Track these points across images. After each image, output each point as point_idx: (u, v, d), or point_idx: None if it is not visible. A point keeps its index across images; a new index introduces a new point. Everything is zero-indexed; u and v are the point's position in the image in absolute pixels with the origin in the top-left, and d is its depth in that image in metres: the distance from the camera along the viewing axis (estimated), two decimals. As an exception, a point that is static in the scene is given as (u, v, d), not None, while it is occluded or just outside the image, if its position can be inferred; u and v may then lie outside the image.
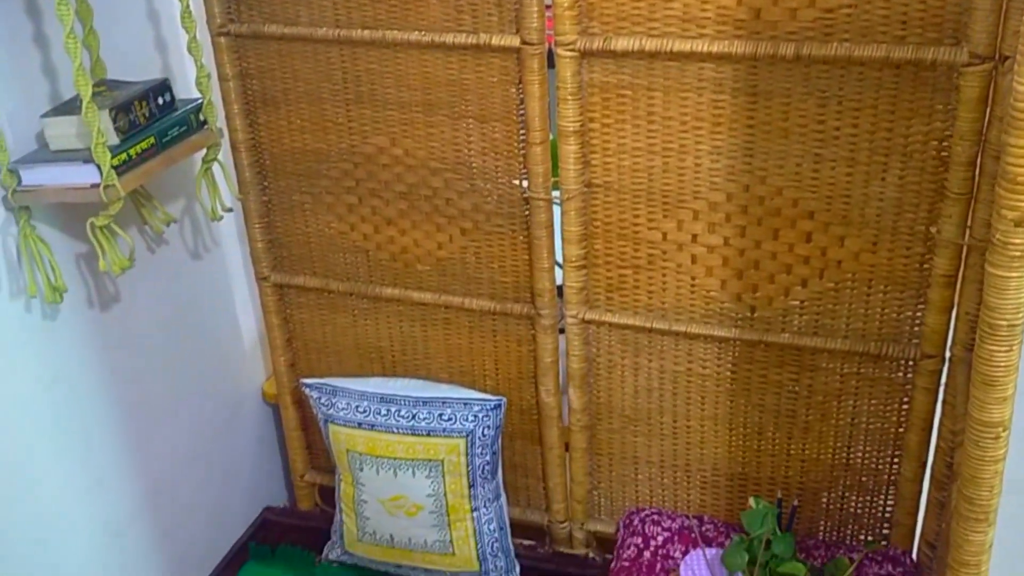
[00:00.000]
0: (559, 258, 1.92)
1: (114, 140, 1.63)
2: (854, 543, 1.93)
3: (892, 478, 1.85)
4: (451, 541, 2.02)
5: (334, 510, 2.18)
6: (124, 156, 1.63)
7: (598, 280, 1.91)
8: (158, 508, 2.02)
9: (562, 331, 1.99)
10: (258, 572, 2.16)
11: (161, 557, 2.04)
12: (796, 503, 1.81)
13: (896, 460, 1.83)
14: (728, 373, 1.88)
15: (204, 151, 1.92)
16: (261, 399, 2.40)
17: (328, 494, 2.35)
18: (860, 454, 1.86)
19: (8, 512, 1.66)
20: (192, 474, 2.14)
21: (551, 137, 1.82)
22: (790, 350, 1.81)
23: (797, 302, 1.78)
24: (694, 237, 1.79)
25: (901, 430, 1.80)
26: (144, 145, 1.68)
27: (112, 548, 1.90)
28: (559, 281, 1.95)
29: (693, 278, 1.83)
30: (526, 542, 2.19)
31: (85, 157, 1.59)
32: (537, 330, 1.97)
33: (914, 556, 1.87)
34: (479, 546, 2.02)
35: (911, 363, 1.74)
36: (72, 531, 1.81)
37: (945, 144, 1.56)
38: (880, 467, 1.85)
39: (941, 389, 1.73)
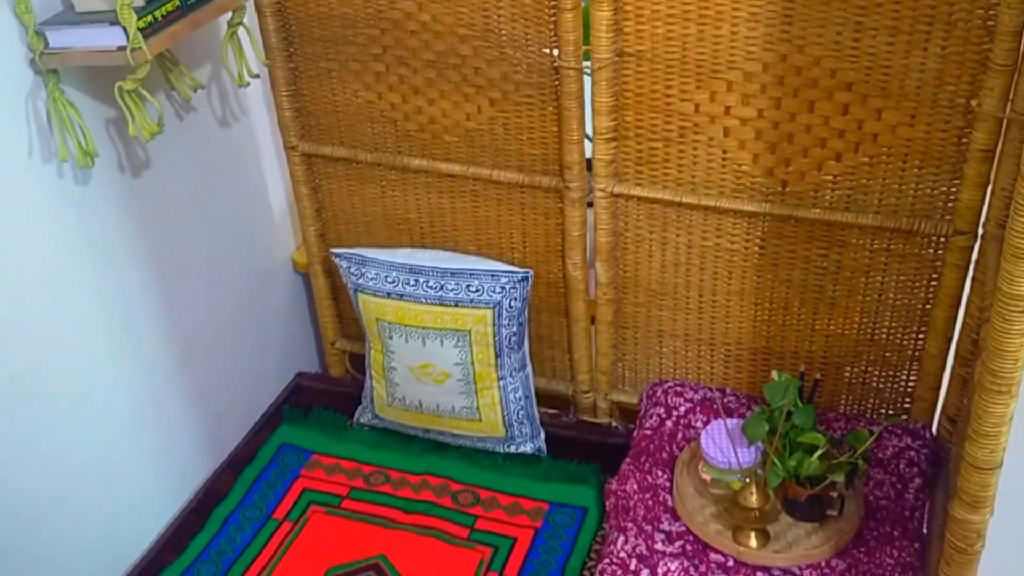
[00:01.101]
0: (589, 130, 1.90)
1: (139, 1, 1.61)
2: (874, 417, 1.96)
3: (916, 354, 1.86)
4: (478, 408, 2.07)
5: (364, 376, 2.23)
6: (149, 18, 1.61)
7: (628, 153, 1.89)
8: (194, 372, 2.08)
9: (590, 205, 1.98)
10: (292, 434, 2.23)
11: (198, 418, 2.12)
12: (818, 376, 1.83)
13: (921, 336, 1.84)
14: (756, 248, 1.88)
15: (229, 15, 1.89)
16: (292, 268, 2.44)
17: (358, 361, 2.41)
18: (885, 330, 1.86)
19: (50, 373, 1.71)
20: (226, 340, 2.19)
21: (583, 3, 1.77)
22: (820, 225, 1.80)
23: (830, 177, 1.75)
24: (727, 109, 1.76)
25: (928, 306, 1.80)
26: (169, 7, 1.66)
27: (150, 409, 1.97)
28: (588, 154, 1.93)
29: (725, 152, 1.80)
30: (551, 411, 2.25)
31: (111, 19, 1.57)
32: (565, 203, 1.97)
33: (934, 430, 1.90)
34: (505, 413, 2.07)
35: (942, 239, 1.73)
36: (112, 392, 1.87)
37: (992, 12, 1.50)
38: (905, 343, 1.86)
39: (971, 266, 1.72)
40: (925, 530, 1.73)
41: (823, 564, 1.66)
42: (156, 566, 1.91)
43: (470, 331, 2.00)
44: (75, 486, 1.79)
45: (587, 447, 2.15)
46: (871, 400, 1.96)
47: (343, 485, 2.09)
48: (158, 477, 2.02)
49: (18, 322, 1.63)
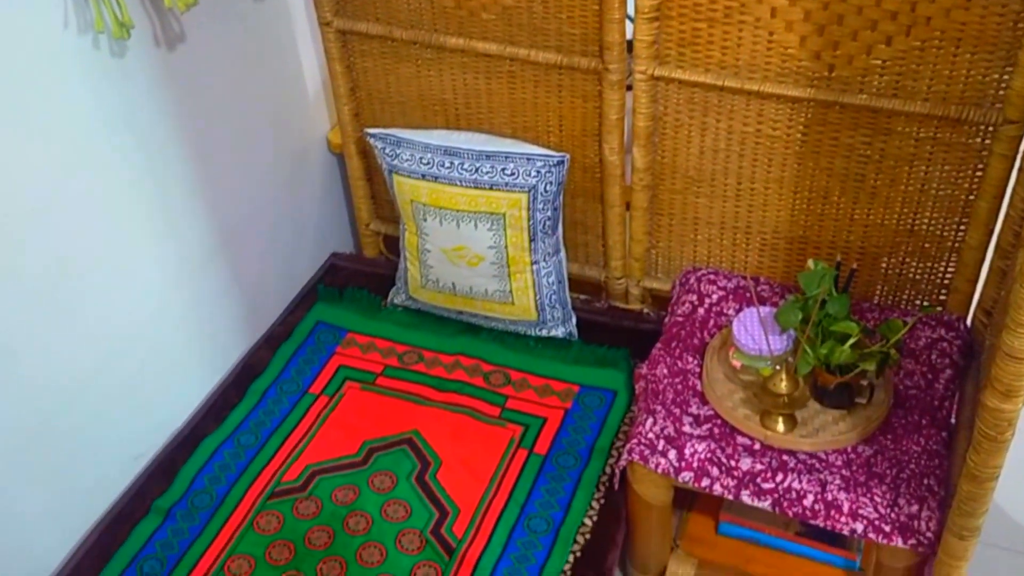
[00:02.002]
0: (630, 9, 1.84)
1: None
2: (909, 308, 1.96)
3: (956, 245, 1.84)
4: (511, 291, 2.09)
5: (398, 258, 2.25)
6: None
7: (670, 34, 1.84)
8: (231, 251, 2.11)
9: (629, 88, 1.94)
10: (327, 313, 2.26)
11: (236, 295, 2.15)
12: (855, 267, 1.82)
13: (962, 227, 1.81)
14: (799, 135, 1.84)
15: None
16: (326, 148, 2.43)
17: (392, 243, 2.42)
18: (926, 220, 1.84)
19: (90, 250, 1.74)
20: (262, 219, 2.20)
21: None
22: (866, 112, 1.76)
23: (879, 61, 1.70)
24: (775, -12, 1.70)
25: (971, 197, 1.77)
26: None
27: (189, 285, 2.01)
28: (629, 35, 1.88)
29: (771, 33, 1.75)
30: (583, 296, 2.26)
31: None
32: (604, 86, 1.93)
33: (968, 323, 1.89)
34: (537, 297, 2.09)
35: (990, 129, 1.68)
36: (151, 269, 1.90)
37: None
38: (945, 234, 1.84)
39: (1018, 157, 1.69)
40: (953, 420, 1.75)
41: (849, 450, 1.68)
42: (197, 435, 1.98)
43: (504, 215, 2.00)
44: (118, 357, 1.84)
45: (618, 333, 2.16)
46: (907, 291, 1.95)
47: (377, 363, 2.14)
48: (198, 351, 2.07)
49: (58, 198, 1.65)
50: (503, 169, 1.97)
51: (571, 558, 1.74)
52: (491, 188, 1.98)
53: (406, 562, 1.73)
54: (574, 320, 2.16)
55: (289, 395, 2.07)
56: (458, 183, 2.00)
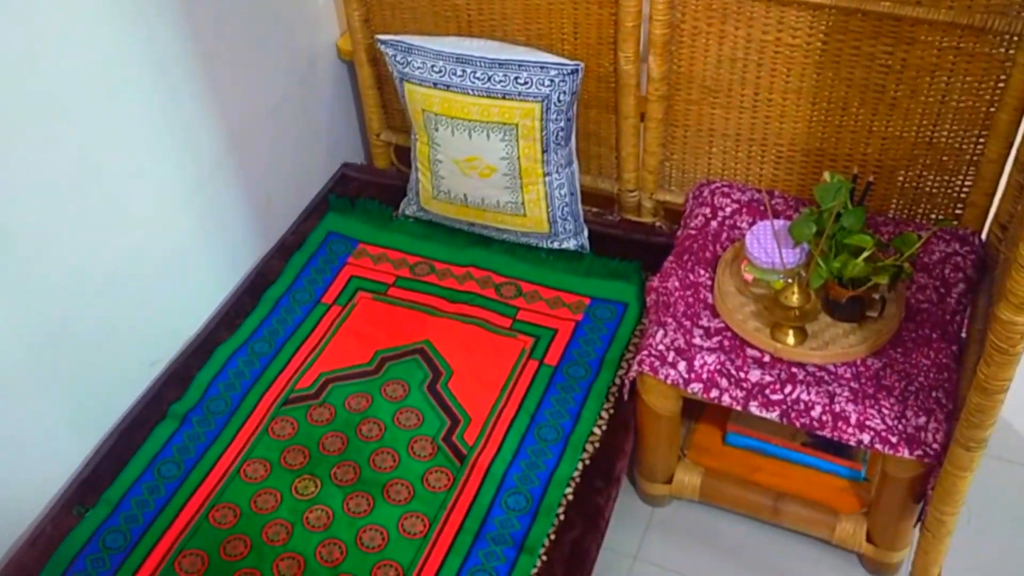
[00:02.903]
0: (649, -90, 1.79)
1: None
2: (924, 222, 1.94)
3: (974, 158, 1.81)
4: (523, 203, 2.08)
5: (409, 170, 2.24)
6: None
7: (689, -63, 1.78)
8: (242, 156, 2.09)
9: (646, -7, 1.90)
10: (338, 223, 2.26)
11: (248, 202, 2.14)
12: (871, 180, 1.80)
13: (981, 140, 1.78)
14: (819, 44, 1.80)
15: None
16: (336, 56, 2.39)
17: (403, 154, 2.40)
18: (945, 133, 1.81)
19: (102, 151, 1.73)
20: (272, 126, 2.18)
21: None
22: (889, 20, 1.71)
23: (904, -33, 1.65)
24: None
25: (992, 109, 1.74)
26: None
27: (201, 191, 2.00)
28: (647, -63, 1.83)
29: (793, -64, 1.70)
30: (595, 209, 2.25)
31: None
32: (620, -9, 1.89)
33: (983, 237, 1.88)
34: (550, 209, 2.08)
35: (1015, 38, 1.64)
36: (164, 173, 1.89)
37: None
38: (964, 147, 1.81)
39: (1044, 68, 1.65)
40: (964, 334, 1.75)
41: (858, 362, 1.69)
42: (212, 341, 2.00)
43: (517, 125, 1.97)
44: (132, 263, 1.85)
45: (630, 246, 2.16)
46: (922, 205, 1.93)
47: (389, 274, 2.14)
48: (211, 258, 2.08)
49: (67, 96, 1.63)
50: (516, 78, 1.93)
51: (580, 465, 1.77)
52: (504, 97, 1.95)
53: (418, 468, 1.76)
54: (586, 233, 2.15)
55: (302, 304, 2.08)
56: (470, 92, 1.97)
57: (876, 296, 1.71)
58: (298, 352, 1.98)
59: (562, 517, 1.69)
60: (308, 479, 1.75)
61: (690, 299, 1.84)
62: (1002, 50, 1.67)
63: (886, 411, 1.61)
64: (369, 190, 2.35)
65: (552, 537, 1.66)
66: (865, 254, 1.65)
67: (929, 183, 1.89)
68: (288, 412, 1.86)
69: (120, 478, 1.76)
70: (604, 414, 1.85)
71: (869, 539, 1.81)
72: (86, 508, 1.72)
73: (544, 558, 1.63)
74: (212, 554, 1.65)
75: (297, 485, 1.74)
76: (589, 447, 1.79)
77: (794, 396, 1.65)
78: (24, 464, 1.71)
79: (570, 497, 1.72)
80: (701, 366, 1.71)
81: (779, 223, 1.79)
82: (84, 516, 1.71)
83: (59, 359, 1.73)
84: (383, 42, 2.05)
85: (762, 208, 1.98)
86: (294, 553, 1.64)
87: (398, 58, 2.03)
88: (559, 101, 1.94)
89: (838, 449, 1.86)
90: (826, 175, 1.71)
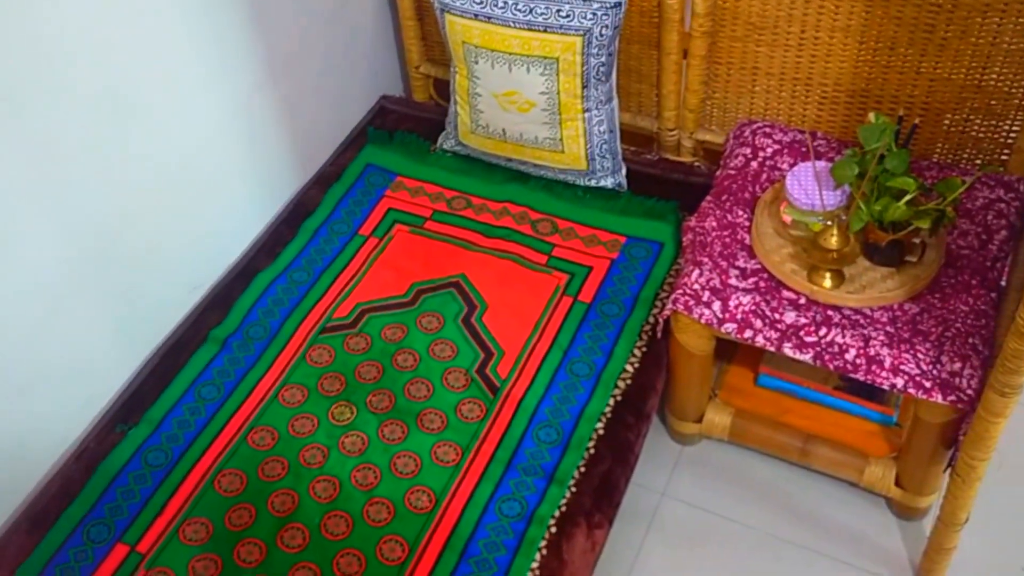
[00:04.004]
0: None
1: None
2: (969, 167, 1.91)
3: (1022, 103, 1.77)
4: (561, 139, 2.07)
5: (447, 103, 2.23)
6: None
7: None
8: (281, 85, 2.09)
9: (694, -74, 1.86)
10: (376, 155, 2.26)
11: (287, 133, 2.15)
12: (917, 122, 1.77)
13: (1034, 84, 1.75)
14: (869, -19, 1.76)
15: None
16: (377, -14, 2.38)
17: (442, 88, 2.40)
18: (994, 76, 1.77)
19: (141, 82, 1.74)
20: (311, 56, 2.17)
21: None
22: (943, -43, 1.67)
23: (963, -99, 1.60)
24: None
25: (1047, 53, 1.70)
26: None
27: (241, 120, 2.00)
28: None
29: None
30: (633, 148, 2.23)
31: None
32: (667, -77, 1.85)
33: (1029, 184, 1.85)
34: (588, 146, 2.07)
35: (1077, -22, 1.60)
36: (203, 101, 1.90)
37: None
38: (1013, 90, 1.77)
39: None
40: (1004, 282, 1.73)
41: (895, 307, 1.69)
42: (252, 269, 2.03)
43: (558, 59, 1.95)
44: (176, 186, 1.87)
45: (667, 185, 2.15)
46: (968, 150, 1.90)
47: (426, 207, 2.15)
48: (251, 187, 2.09)
49: (111, 18, 1.64)
50: (558, 10, 1.91)
51: (612, 401, 1.78)
52: (545, 30, 1.93)
53: (452, 398, 1.79)
54: (624, 171, 2.14)
55: (340, 235, 2.10)
56: (511, 24, 1.95)
57: (916, 241, 1.70)
58: (335, 282, 2.00)
59: (592, 451, 1.72)
60: (344, 405, 1.79)
61: (727, 239, 1.83)
62: (1060, -10, 1.62)
63: (921, 356, 1.60)
64: (407, 123, 2.34)
65: (582, 470, 1.69)
66: (907, 197, 1.63)
67: (976, 127, 1.85)
68: (325, 340, 1.90)
69: (162, 398, 1.81)
70: (637, 352, 1.86)
71: (898, 483, 1.82)
72: (129, 426, 1.78)
73: (573, 489, 1.66)
74: (250, 474, 1.70)
75: (333, 411, 1.78)
76: (621, 383, 1.81)
77: (829, 339, 1.65)
78: (70, 382, 1.76)
79: (600, 432, 1.74)
80: (736, 306, 1.71)
81: (821, 164, 1.77)
82: (127, 434, 1.76)
83: (104, 281, 1.76)
84: (425, -28, 2.03)
85: (804, 149, 1.96)
86: (330, 476, 1.69)
87: (440, -11, 2.01)
88: (601, 35, 1.92)
89: (870, 393, 1.87)
90: (871, 116, 1.68)
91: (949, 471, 1.64)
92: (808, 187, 1.74)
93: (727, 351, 2.01)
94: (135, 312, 1.85)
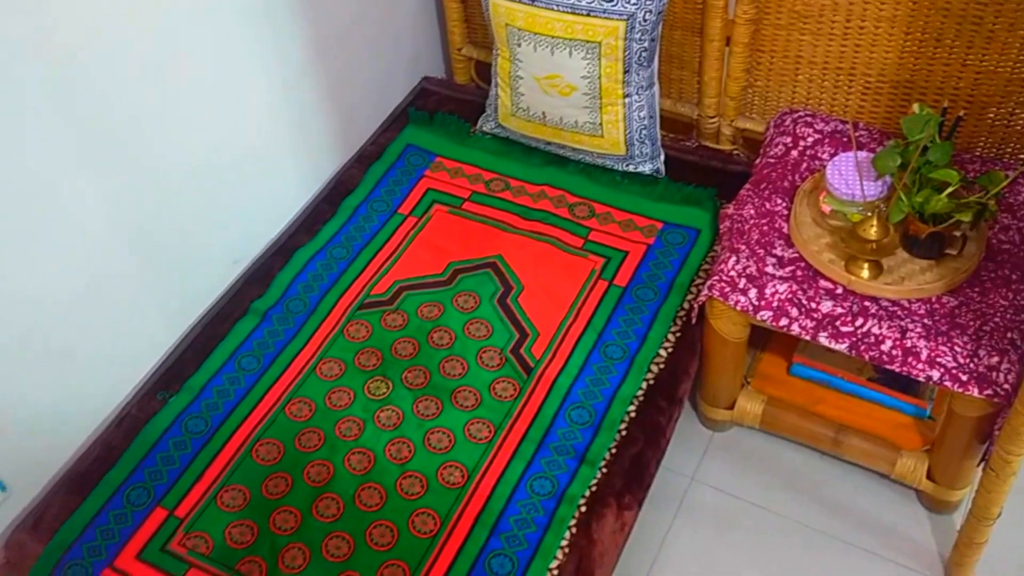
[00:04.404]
0: None
1: None
2: (1012, 162, 1.90)
3: (1072, 97, 1.76)
4: (601, 124, 2.07)
5: (488, 86, 2.24)
6: None
7: None
8: (326, 65, 2.11)
9: (742, -88, 1.86)
10: (417, 136, 2.28)
11: (330, 112, 2.18)
12: (961, 114, 1.76)
13: (1082, 79, 1.73)
14: (917, -29, 1.75)
15: None
16: (421, -32, 2.39)
17: (484, 70, 2.41)
18: (1044, 70, 1.75)
19: (188, 54, 1.77)
20: (357, 36, 2.19)
21: None
22: (994, -52, 1.66)
23: None
24: None
25: (1098, 47, 1.68)
26: None
27: (285, 97, 2.03)
28: None
29: None
30: (672, 135, 2.23)
31: None
32: (715, -91, 1.84)
33: (1073, 180, 1.84)
34: (627, 131, 2.07)
35: None
36: (248, 78, 1.92)
37: None
38: (1062, 85, 1.75)
39: None
40: (1044, 277, 1.72)
41: (933, 300, 1.68)
42: (292, 245, 2.06)
43: (600, 43, 1.96)
44: (217, 164, 1.90)
45: (706, 172, 2.15)
46: (1012, 144, 1.88)
47: (465, 188, 2.17)
48: (293, 163, 2.12)
49: (161, 1, 1.67)
50: (603, -5, 1.92)
51: (644, 385, 1.80)
52: (588, 14, 1.93)
53: (486, 376, 1.81)
54: (662, 157, 2.14)
55: (379, 213, 2.12)
56: (555, 7, 1.95)
57: (957, 234, 1.69)
58: (374, 259, 2.03)
59: (624, 433, 1.73)
60: (380, 380, 1.81)
61: (765, 228, 1.83)
62: (1113, -16, 1.60)
63: (958, 349, 1.60)
64: (448, 105, 2.36)
65: (613, 451, 1.70)
66: (949, 190, 1.62)
67: (1021, 121, 1.84)
68: (363, 316, 1.92)
69: (203, 368, 1.84)
70: (671, 337, 1.87)
71: (930, 476, 1.81)
72: (170, 394, 1.81)
73: (604, 470, 1.68)
74: (287, 444, 1.73)
75: (370, 385, 1.81)
76: (654, 367, 1.82)
77: (865, 329, 1.65)
78: (113, 350, 1.80)
79: (633, 414, 1.75)
80: (772, 294, 1.72)
81: (862, 155, 1.77)
82: (168, 401, 1.80)
83: (148, 252, 1.80)
84: (470, -46, 2.04)
85: (845, 139, 1.95)
86: (365, 449, 1.71)
87: (485, -29, 2.02)
88: (644, 20, 1.92)
89: (904, 386, 1.86)
90: (915, 107, 1.67)
91: (982, 465, 1.63)
92: (849, 177, 1.74)
93: (760, 339, 2.01)
94: (178, 283, 1.89)
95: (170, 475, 1.70)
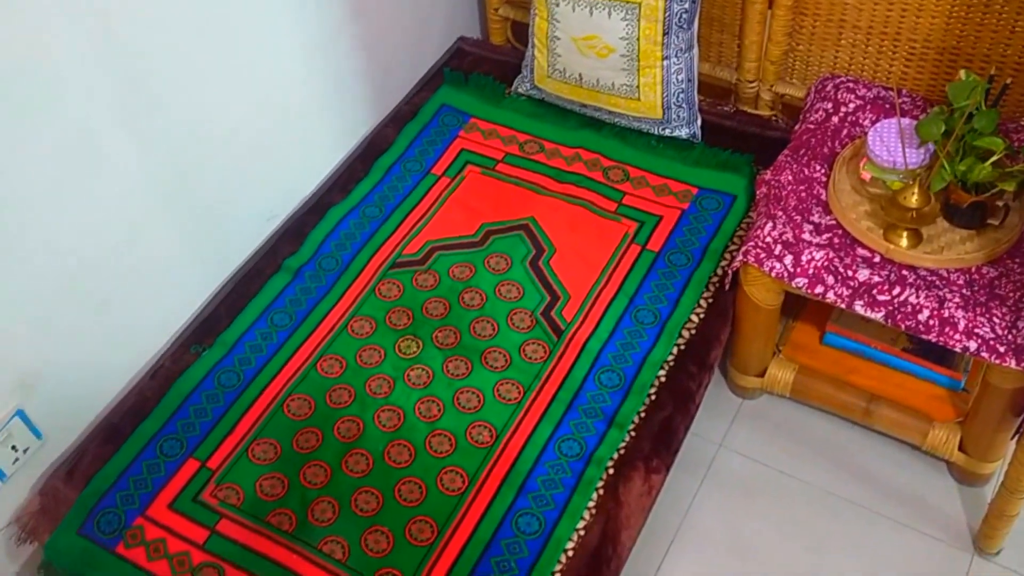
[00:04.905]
0: None
1: None
2: (1059, 132, 1.85)
3: (1125, 66, 1.71)
4: (638, 87, 2.05)
5: (524, 47, 2.22)
6: None
7: None
8: (362, 24, 2.10)
9: None
10: (452, 96, 2.27)
11: (365, 70, 2.17)
12: (1009, 82, 1.72)
13: None
14: (969, -67, 1.70)
15: None
16: (460, -74, 2.36)
17: (520, 31, 2.38)
18: (1096, 37, 1.71)
19: (228, 13, 1.76)
20: (391, -5, 2.19)
21: None
22: (1050, -91, 1.61)
23: None
24: None
25: None
26: None
27: (321, 56, 2.02)
28: None
29: None
30: (710, 99, 2.20)
31: None
32: None
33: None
34: (664, 95, 2.05)
35: None
36: (286, 36, 1.92)
37: None
38: (1115, 53, 1.71)
39: None
40: (1088, 250, 1.69)
41: (972, 270, 1.65)
42: (325, 203, 2.06)
43: (640, 4, 1.93)
44: (253, 119, 1.90)
45: (743, 138, 2.12)
46: (1060, 114, 1.84)
47: (498, 150, 2.15)
48: (328, 122, 2.12)
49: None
50: (643, -45, 1.89)
51: (675, 350, 1.79)
52: (629, -25, 1.91)
53: (516, 338, 1.81)
54: (699, 121, 2.11)
55: (412, 173, 2.12)
56: (595, -33, 1.93)
57: (999, 203, 1.66)
58: (407, 219, 2.03)
59: (653, 397, 1.72)
60: (411, 339, 1.82)
61: (803, 194, 1.81)
62: None
63: (997, 320, 1.58)
64: (484, 65, 2.34)
65: (642, 415, 1.70)
66: (994, 158, 1.59)
67: (1071, 90, 1.80)
68: (395, 275, 1.92)
69: (236, 323, 1.86)
70: (703, 303, 1.85)
71: (962, 448, 1.80)
72: (203, 347, 1.83)
73: (633, 434, 1.68)
74: (319, 400, 1.74)
75: (400, 344, 1.81)
76: (685, 333, 1.81)
77: (902, 298, 1.63)
78: (147, 303, 1.81)
79: (663, 379, 1.75)
80: (808, 261, 1.70)
81: (905, 122, 1.73)
82: (201, 355, 1.82)
83: (183, 206, 1.81)
84: (510, -89, 2.02)
85: (887, 106, 1.91)
86: (395, 406, 1.72)
87: (524, -72, 1.99)
88: (685, -18, 1.89)
89: (939, 357, 1.84)
90: (961, 73, 1.64)
91: (1016, 438, 1.61)
92: (890, 144, 1.71)
93: (794, 307, 1.99)
94: (212, 238, 1.90)
95: (202, 427, 1.72)
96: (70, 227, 1.60)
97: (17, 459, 1.65)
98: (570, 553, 1.54)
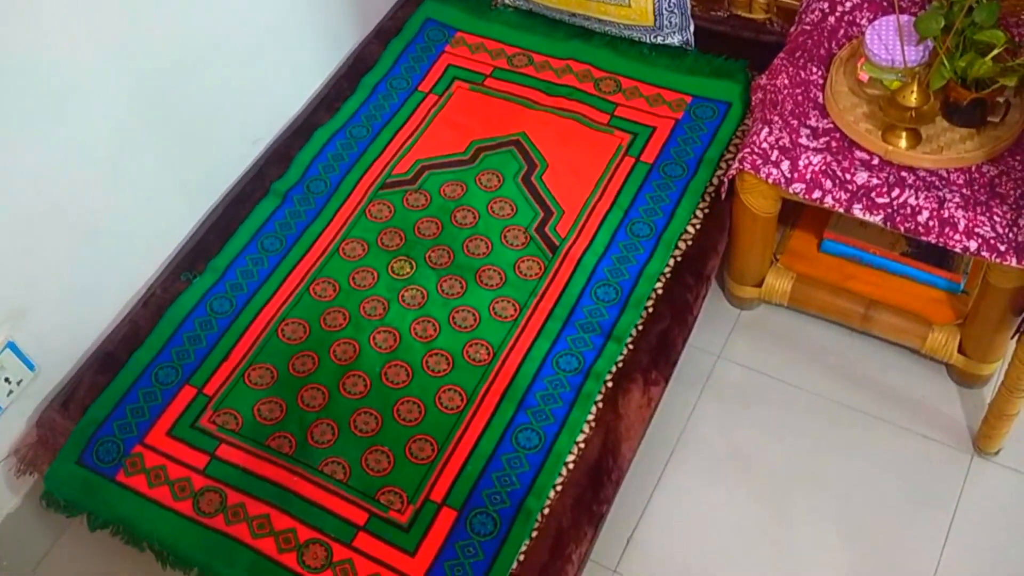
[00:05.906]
0: None
1: None
2: (1062, 24, 1.80)
3: None
4: (628, -7, 1.99)
5: (511, -44, 2.15)
6: None
7: None
8: (340, -64, 2.04)
9: None
10: (436, 10, 2.20)
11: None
12: (1010, -27, 1.66)
13: None
14: None
15: None
16: None
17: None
18: (1101, -78, 1.64)
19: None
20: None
21: None
22: None
23: None
24: None
25: None
26: None
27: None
28: None
29: None
30: (702, 4, 2.14)
31: None
32: None
33: None
34: (656, 1, 1.99)
35: None
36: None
37: None
38: (1121, -61, 1.65)
39: None
40: (1091, 144, 1.66)
41: (972, 168, 1.62)
42: (312, 123, 2.02)
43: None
44: (233, 37, 1.86)
45: (737, 43, 2.07)
46: (1063, 5, 1.78)
47: (486, 64, 2.10)
48: (311, 38, 2.07)
49: None
50: None
51: (672, 262, 1.77)
52: None
53: (511, 255, 1.79)
54: (692, 27, 2.06)
55: (399, 91, 2.07)
56: None
57: (1000, 100, 1.62)
58: (395, 138, 1.98)
59: (651, 310, 1.71)
60: (404, 260, 1.79)
61: (799, 98, 1.77)
62: None
63: (997, 219, 1.55)
64: (469, -19, 2.27)
65: (640, 328, 1.69)
66: (994, 52, 1.54)
67: (1075, -20, 1.74)
68: (385, 196, 1.89)
69: (226, 248, 1.83)
70: (699, 213, 1.83)
71: (961, 350, 1.79)
72: (194, 274, 1.81)
73: (631, 347, 1.67)
74: (313, 323, 1.73)
75: (393, 265, 1.79)
76: (681, 244, 1.79)
77: (901, 200, 1.60)
78: (136, 231, 1.79)
79: (659, 291, 1.73)
80: (805, 166, 1.66)
81: (903, 18, 1.68)
82: (192, 282, 1.80)
83: (166, 131, 1.77)
84: None
85: (885, 3, 1.86)
86: (390, 327, 1.71)
87: None
88: None
89: (938, 260, 1.82)
90: (961, -35, 1.58)
91: (1016, 337, 1.60)
92: (889, 42, 1.66)
93: (791, 216, 1.97)
94: (198, 163, 1.86)
95: (197, 354, 1.71)
96: (51, 153, 1.56)
97: (11, 391, 1.64)
98: (571, 466, 1.55)
